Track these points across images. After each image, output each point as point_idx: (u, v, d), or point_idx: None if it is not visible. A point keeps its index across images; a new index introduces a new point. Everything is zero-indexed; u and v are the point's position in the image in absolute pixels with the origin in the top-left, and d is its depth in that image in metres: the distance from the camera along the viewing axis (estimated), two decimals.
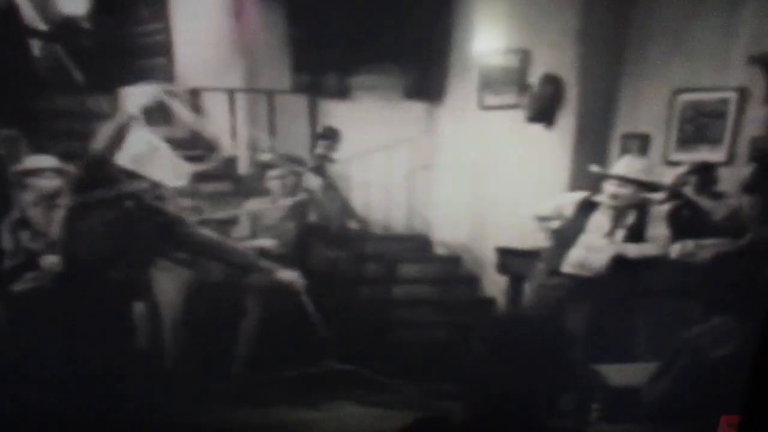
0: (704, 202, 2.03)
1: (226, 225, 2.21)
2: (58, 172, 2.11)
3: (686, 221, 2.09)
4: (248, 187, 2.15)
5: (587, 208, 2.19)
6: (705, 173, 2.10)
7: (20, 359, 2.33)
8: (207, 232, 2.08)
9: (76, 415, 2.47)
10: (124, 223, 2.05)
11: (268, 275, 2.19)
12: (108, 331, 2.31)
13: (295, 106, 2.01)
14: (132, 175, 1.96)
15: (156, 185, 1.97)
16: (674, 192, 2.11)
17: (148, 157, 1.96)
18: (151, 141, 1.97)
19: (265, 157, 2.06)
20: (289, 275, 2.14)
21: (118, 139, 1.89)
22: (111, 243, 2.06)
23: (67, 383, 2.40)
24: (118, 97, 2.07)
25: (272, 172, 2.12)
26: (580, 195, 2.18)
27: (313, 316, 2.16)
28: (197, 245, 2.09)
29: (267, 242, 2.19)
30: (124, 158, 1.94)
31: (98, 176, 2.00)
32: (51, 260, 2.21)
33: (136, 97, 2.06)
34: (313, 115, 1.99)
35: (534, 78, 2.06)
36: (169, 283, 2.25)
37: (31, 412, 2.42)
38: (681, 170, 2.09)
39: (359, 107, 1.97)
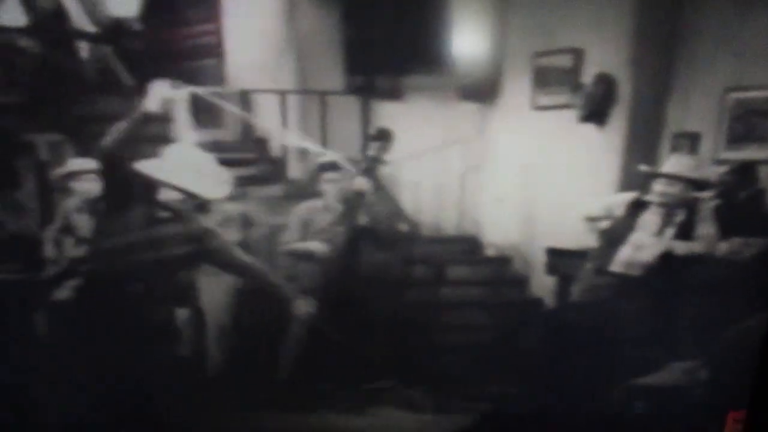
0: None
1: (276, 229, 2.19)
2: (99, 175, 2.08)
3: (732, 219, 2.11)
4: (299, 190, 2.13)
5: (637, 207, 2.23)
6: (745, 172, 2.12)
7: (62, 368, 2.29)
8: (238, 252, 2.06)
9: (117, 423, 2.43)
10: (156, 232, 2.02)
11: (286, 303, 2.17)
12: (149, 339, 2.28)
13: (347, 107, 2.02)
14: (168, 186, 1.94)
15: (193, 197, 1.95)
16: (721, 190, 2.13)
17: (186, 168, 1.94)
18: (189, 152, 1.95)
19: (325, 158, 2.05)
20: (303, 306, 2.12)
21: (131, 135, 1.86)
22: (141, 253, 2.03)
23: (109, 391, 2.36)
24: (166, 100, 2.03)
25: (329, 175, 2.11)
26: (630, 195, 2.23)
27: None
28: (226, 263, 2.08)
29: (316, 246, 2.18)
30: (160, 169, 1.92)
31: (111, 174, 1.96)
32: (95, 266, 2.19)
33: (157, 93, 2.04)
34: (365, 116, 2.00)
35: (587, 78, 2.06)
36: (214, 289, 2.22)
37: (73, 419, 2.39)
38: (722, 169, 2.12)
39: (412, 108, 1.98)
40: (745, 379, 2.26)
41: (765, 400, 2.41)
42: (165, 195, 2.13)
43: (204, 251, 2.21)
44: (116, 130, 2.09)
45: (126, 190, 2.11)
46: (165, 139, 2.10)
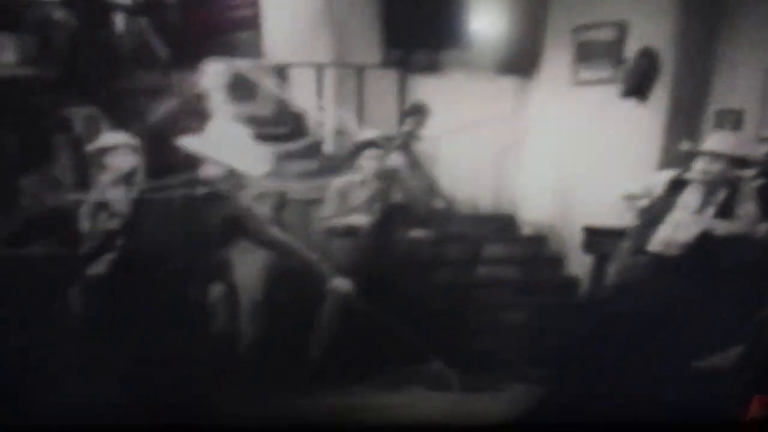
0: None
1: (311, 204, 2.17)
2: (132, 149, 2.06)
3: None
4: (335, 165, 2.10)
5: (678, 186, 2.19)
6: None
7: (98, 342, 2.30)
8: (275, 230, 2.05)
9: (150, 400, 2.43)
10: (193, 209, 2.01)
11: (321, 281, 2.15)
12: (183, 315, 2.27)
13: (384, 82, 2.00)
14: (208, 162, 1.92)
15: (233, 173, 1.93)
16: (764, 169, 2.08)
17: (228, 144, 1.93)
18: (231, 128, 1.94)
19: (368, 134, 2.02)
20: (342, 284, 2.11)
21: (181, 113, 1.84)
22: (178, 229, 2.02)
23: (143, 366, 2.36)
24: (202, 74, 2.01)
25: (369, 152, 2.08)
26: (670, 173, 2.18)
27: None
28: (263, 241, 2.06)
29: (360, 219, 2.15)
30: (202, 145, 1.90)
31: (156, 150, 1.96)
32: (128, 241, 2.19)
33: (213, 75, 2.01)
34: (401, 91, 1.96)
35: (630, 52, 2.01)
36: (248, 265, 2.21)
37: (107, 395, 2.39)
38: (766, 148, 2.06)
39: (449, 83, 1.94)
40: None
41: None
42: (205, 171, 2.11)
43: (241, 228, 2.19)
44: (165, 108, 2.08)
45: (169, 166, 2.10)
46: (207, 116, 2.08)
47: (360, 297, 2.36)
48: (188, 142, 2.11)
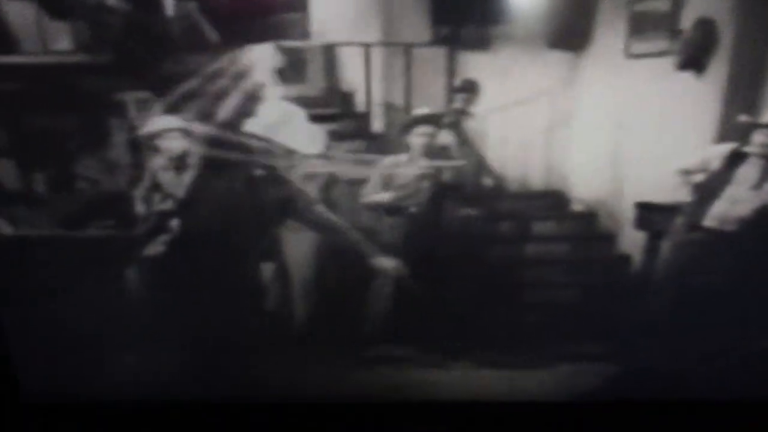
0: None
1: (360, 184, 2.18)
2: (184, 132, 2.10)
3: None
4: (384, 144, 2.11)
5: (735, 160, 2.13)
6: None
7: (155, 320, 2.38)
8: (322, 210, 2.07)
9: (203, 377, 2.50)
10: (251, 190, 2.05)
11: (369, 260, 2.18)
12: (236, 294, 2.33)
13: (433, 59, 1.97)
14: (264, 143, 1.95)
15: (290, 153, 1.96)
16: None
17: (283, 124, 1.95)
18: (285, 108, 1.96)
19: (422, 111, 2.03)
20: (388, 263, 2.13)
21: (245, 108, 1.89)
22: (236, 209, 2.07)
23: (197, 344, 2.43)
24: (250, 56, 2.03)
25: (420, 129, 2.09)
26: (728, 146, 2.12)
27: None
28: (313, 223, 2.09)
29: (404, 198, 2.17)
30: (257, 126, 1.93)
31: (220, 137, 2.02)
32: (182, 223, 2.24)
33: (262, 57, 2.03)
34: (450, 68, 1.93)
35: (687, 22, 1.95)
36: (299, 244, 2.24)
37: (163, 370, 2.47)
38: None
39: (499, 59, 1.91)
40: None
41: None
42: (263, 152, 2.16)
43: (292, 208, 2.24)
44: (229, 106, 2.12)
45: (228, 149, 2.14)
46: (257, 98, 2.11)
47: (406, 276, 2.39)
48: (252, 125, 2.15)
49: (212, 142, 2.36)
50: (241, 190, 2.41)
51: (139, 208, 2.53)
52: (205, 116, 2.36)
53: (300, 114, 2.28)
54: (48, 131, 2.42)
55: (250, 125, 2.25)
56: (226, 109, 2.30)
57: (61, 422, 2.74)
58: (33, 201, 2.51)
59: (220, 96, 2.26)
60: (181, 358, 2.65)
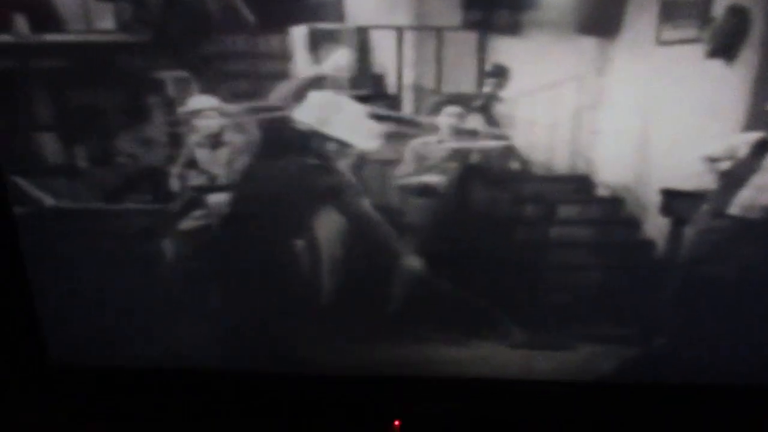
0: None
1: (389, 164, 2.25)
2: (219, 112, 2.20)
3: None
4: (414, 125, 2.17)
5: (762, 148, 2.16)
6: None
7: (190, 291, 2.49)
8: (365, 203, 2.15)
9: (236, 354, 2.62)
10: (303, 178, 2.14)
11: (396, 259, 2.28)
12: (269, 269, 2.44)
13: (464, 43, 2.03)
14: (318, 134, 2.04)
15: (344, 145, 2.05)
16: None
17: (334, 115, 2.02)
18: (337, 99, 2.03)
19: (449, 92, 2.09)
20: (417, 263, 2.21)
21: (298, 95, 1.97)
22: (282, 192, 2.15)
23: (232, 315, 2.55)
24: (288, 37, 2.11)
25: (450, 109, 2.15)
26: (755, 135, 2.15)
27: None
28: (352, 215, 2.18)
29: (433, 178, 2.25)
30: (308, 116, 2.00)
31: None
32: (219, 199, 2.32)
33: (297, 38, 2.11)
34: (481, 52, 1.98)
35: (718, 10, 1.98)
36: (327, 222, 2.33)
37: (197, 341, 2.59)
38: None
39: (529, 43, 1.96)
40: None
41: None
42: (318, 143, 2.24)
43: (338, 197, 2.32)
44: (286, 87, 2.20)
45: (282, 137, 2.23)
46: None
47: (430, 276, 2.46)
48: (302, 114, 2.23)
49: (267, 125, 2.45)
50: (292, 175, 2.50)
51: (175, 183, 2.63)
52: (244, 97, 2.45)
53: (353, 106, 2.35)
54: (90, 107, 2.52)
55: (308, 115, 2.33)
56: (278, 93, 2.39)
57: (87, 385, 2.86)
58: (74, 174, 2.62)
59: (262, 77, 2.34)
60: (207, 329, 2.76)
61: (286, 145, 2.40)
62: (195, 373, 2.86)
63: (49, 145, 2.59)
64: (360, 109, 2.35)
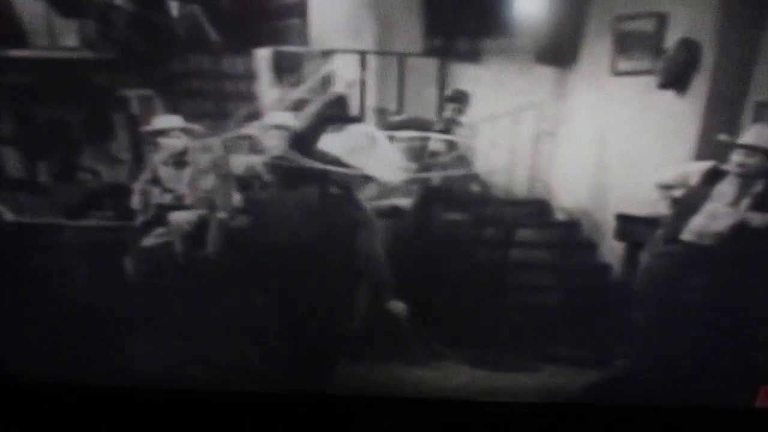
0: None
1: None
2: (184, 131, 2.24)
3: None
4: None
5: (714, 176, 2.25)
6: None
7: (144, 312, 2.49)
8: (378, 245, 2.18)
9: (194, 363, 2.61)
10: (321, 208, 2.18)
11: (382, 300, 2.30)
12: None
13: (425, 69, 2.09)
14: (344, 165, 2.09)
15: (368, 178, 2.11)
16: None
17: (367, 149, 2.09)
18: (371, 134, 2.09)
19: (400, 117, 2.15)
20: (399, 308, 2.24)
21: (321, 116, 2.01)
22: (301, 224, 2.19)
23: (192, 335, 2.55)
24: (252, 58, 2.16)
25: (402, 134, 2.21)
26: (707, 164, 2.23)
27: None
28: (364, 250, 2.22)
29: (402, 201, 2.29)
30: (339, 148, 2.06)
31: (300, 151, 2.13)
32: (181, 217, 2.35)
33: (262, 60, 2.16)
34: (442, 78, 2.05)
35: (670, 42, 2.07)
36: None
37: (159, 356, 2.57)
38: None
39: (489, 71, 2.03)
40: None
41: None
42: (342, 173, 2.28)
43: (357, 233, 2.35)
44: (307, 111, 2.24)
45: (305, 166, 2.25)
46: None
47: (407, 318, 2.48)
48: (329, 143, 2.27)
49: (290, 152, 2.48)
50: (312, 204, 2.52)
51: (137, 200, 2.64)
52: (208, 116, 2.48)
53: (385, 140, 2.40)
54: (53, 123, 2.53)
55: (332, 144, 2.38)
56: (303, 118, 2.43)
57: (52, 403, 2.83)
58: (36, 189, 2.62)
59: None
60: (176, 346, 2.76)
61: (307, 174, 2.44)
62: (154, 392, 2.85)
63: (10, 160, 2.59)
64: (390, 144, 2.40)
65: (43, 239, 2.66)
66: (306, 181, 2.43)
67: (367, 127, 2.39)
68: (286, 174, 2.42)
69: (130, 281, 2.70)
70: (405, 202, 2.62)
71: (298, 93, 2.35)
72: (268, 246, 2.48)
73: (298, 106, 2.46)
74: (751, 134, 2.41)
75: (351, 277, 2.49)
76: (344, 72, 2.31)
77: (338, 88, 2.38)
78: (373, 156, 2.42)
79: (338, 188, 2.45)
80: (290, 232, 2.45)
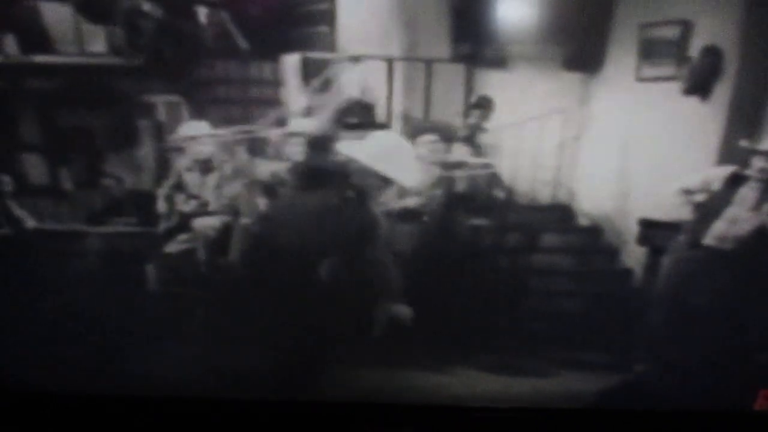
0: None
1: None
2: (210, 138, 2.25)
3: None
4: None
5: (735, 182, 2.28)
6: None
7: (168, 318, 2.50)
8: (385, 251, 2.21)
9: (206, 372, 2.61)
10: (338, 211, 2.20)
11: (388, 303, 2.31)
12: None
13: (452, 75, 2.11)
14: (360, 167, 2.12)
15: (386, 182, 2.13)
16: None
17: (390, 155, 2.12)
18: (396, 140, 2.11)
19: (423, 122, 2.18)
20: (404, 312, 2.26)
21: (340, 120, 2.04)
22: (317, 227, 2.21)
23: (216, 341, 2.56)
24: (280, 65, 2.18)
25: (426, 137, 2.24)
26: (728, 169, 2.27)
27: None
28: (372, 254, 2.24)
29: (412, 201, 2.32)
30: (362, 153, 2.08)
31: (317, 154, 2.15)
32: (205, 223, 2.36)
33: (290, 67, 2.19)
34: (469, 84, 2.08)
35: (694, 50, 2.10)
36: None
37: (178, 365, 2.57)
38: None
39: (515, 77, 2.06)
40: None
41: None
42: (359, 177, 2.30)
43: (369, 237, 2.36)
44: (327, 116, 2.26)
45: (323, 168, 2.27)
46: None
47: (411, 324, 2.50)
48: (348, 147, 2.28)
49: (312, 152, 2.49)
50: (330, 206, 2.54)
51: (161, 206, 2.65)
52: (234, 122, 2.50)
53: (408, 147, 2.42)
54: (77, 129, 2.54)
55: (356, 150, 2.39)
56: (321, 122, 2.45)
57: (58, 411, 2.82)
58: (58, 196, 2.62)
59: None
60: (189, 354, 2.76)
61: (327, 177, 2.45)
62: (172, 401, 2.85)
63: (34, 166, 2.59)
64: (412, 150, 2.42)
65: (65, 246, 2.66)
66: (322, 186, 2.45)
67: (392, 134, 2.42)
68: (302, 178, 2.44)
69: (153, 288, 2.71)
70: (413, 202, 2.64)
71: (306, 99, 2.37)
72: (281, 250, 2.49)
73: (317, 111, 2.47)
74: None
75: (359, 282, 2.51)
76: (360, 77, 2.32)
77: (353, 93, 2.40)
78: (397, 162, 2.44)
79: (354, 193, 2.46)
80: (301, 237, 2.47)
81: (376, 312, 2.53)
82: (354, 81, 2.38)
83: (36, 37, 2.36)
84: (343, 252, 2.47)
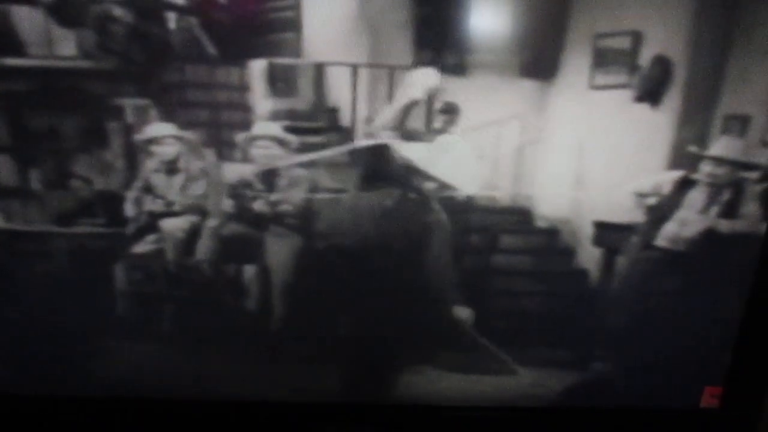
0: None
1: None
2: (176, 138, 2.36)
3: None
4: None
5: (685, 185, 2.43)
6: None
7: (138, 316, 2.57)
8: (447, 251, 2.29)
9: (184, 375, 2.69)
10: (396, 213, 2.30)
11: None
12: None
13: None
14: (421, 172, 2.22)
15: (445, 186, 2.24)
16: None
17: (448, 158, 2.22)
18: (456, 144, 2.22)
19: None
20: (464, 314, 2.37)
21: (398, 120, 2.15)
22: (377, 227, 2.30)
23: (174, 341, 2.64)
24: (245, 70, 2.28)
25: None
26: (678, 173, 2.42)
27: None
28: (432, 255, 2.34)
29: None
30: (414, 152, 2.19)
31: (375, 154, 2.25)
32: (174, 224, 2.45)
33: (422, 80, 2.31)
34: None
35: (645, 59, 2.26)
36: (280, 248, 2.47)
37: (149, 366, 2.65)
38: None
39: (475, 84, 2.18)
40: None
41: (740, 376, 2.64)
42: (420, 180, 2.37)
43: (429, 238, 2.43)
44: (384, 116, 2.34)
45: (384, 169, 2.33)
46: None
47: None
48: (408, 150, 2.36)
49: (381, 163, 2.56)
50: (389, 208, 2.61)
51: (130, 207, 2.72)
52: (201, 125, 2.58)
53: (468, 151, 2.50)
54: (47, 131, 2.60)
55: (416, 151, 2.47)
56: (382, 119, 2.51)
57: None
58: (27, 196, 2.68)
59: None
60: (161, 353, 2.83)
61: (386, 178, 2.52)
62: (142, 402, 2.89)
63: (2, 166, 2.64)
64: (467, 152, 2.50)
65: (33, 246, 2.72)
66: (384, 187, 2.52)
67: (448, 136, 2.51)
68: (363, 179, 2.46)
69: (120, 288, 2.77)
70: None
71: (272, 103, 2.45)
72: (337, 251, 2.56)
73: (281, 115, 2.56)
74: (718, 146, 2.60)
75: (420, 283, 2.57)
76: (425, 78, 2.41)
77: (418, 92, 2.47)
78: (454, 166, 2.53)
79: (417, 193, 2.55)
80: (362, 237, 2.53)
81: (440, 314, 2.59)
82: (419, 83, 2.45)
83: (6, 40, 2.42)
84: (405, 252, 2.54)
